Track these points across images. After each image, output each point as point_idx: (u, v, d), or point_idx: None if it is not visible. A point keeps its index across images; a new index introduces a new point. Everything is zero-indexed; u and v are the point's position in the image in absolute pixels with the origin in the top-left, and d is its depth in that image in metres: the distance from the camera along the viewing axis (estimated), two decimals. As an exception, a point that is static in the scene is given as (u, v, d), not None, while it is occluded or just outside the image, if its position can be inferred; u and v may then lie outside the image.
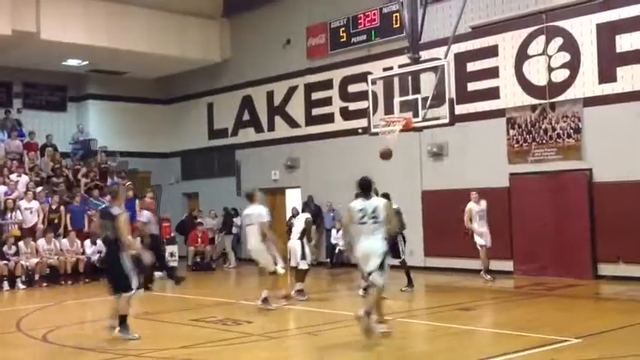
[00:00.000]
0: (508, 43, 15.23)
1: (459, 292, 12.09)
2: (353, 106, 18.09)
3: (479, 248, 13.94)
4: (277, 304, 11.25)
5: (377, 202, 8.67)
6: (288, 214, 19.83)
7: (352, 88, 18.16)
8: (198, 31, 20.71)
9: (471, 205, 14.01)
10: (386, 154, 12.73)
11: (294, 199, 20.15)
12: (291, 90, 19.92)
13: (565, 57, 14.37)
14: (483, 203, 14.09)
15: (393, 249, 11.68)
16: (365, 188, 8.72)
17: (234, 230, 19.94)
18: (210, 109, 22.47)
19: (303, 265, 12.11)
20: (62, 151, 20.53)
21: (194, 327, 9.76)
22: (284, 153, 19.86)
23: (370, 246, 8.46)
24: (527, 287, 13.27)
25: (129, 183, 19.33)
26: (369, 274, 8.50)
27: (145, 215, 15.01)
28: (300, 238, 12.15)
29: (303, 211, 12.71)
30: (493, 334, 9.04)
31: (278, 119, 20.39)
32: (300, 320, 10.78)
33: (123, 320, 8.96)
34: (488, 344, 8.68)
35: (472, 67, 15.77)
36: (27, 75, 21.20)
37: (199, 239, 18.94)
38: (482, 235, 13.91)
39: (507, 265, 14.83)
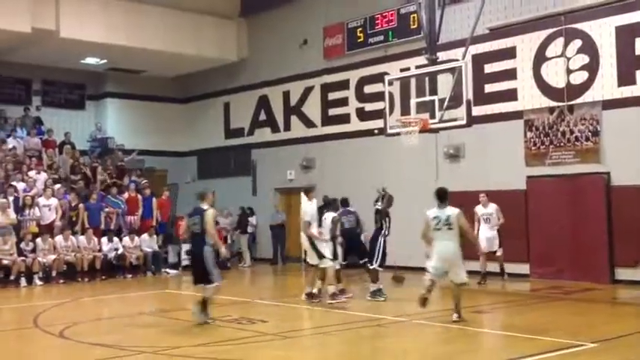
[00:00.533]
0: (526, 44, 15.15)
1: (475, 295, 12.01)
2: (369, 106, 18.07)
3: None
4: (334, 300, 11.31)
5: (450, 211, 9.55)
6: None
7: (369, 89, 18.15)
8: (215, 30, 20.79)
9: (477, 209, 13.88)
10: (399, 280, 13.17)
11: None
12: (308, 90, 19.94)
13: (584, 59, 14.27)
14: (491, 207, 13.94)
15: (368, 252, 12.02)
16: (441, 198, 9.67)
17: (250, 229, 20.02)
18: (227, 108, 22.55)
19: (336, 266, 11.92)
20: (80, 148, 20.68)
21: (209, 326, 9.78)
22: (300, 153, 19.89)
23: (446, 250, 9.47)
24: (544, 290, 13.18)
25: (145, 181, 19.50)
26: (445, 273, 9.59)
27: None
28: (332, 239, 12.04)
29: (327, 210, 12.60)
30: (508, 337, 9.00)
31: (294, 119, 20.42)
32: (314, 320, 10.80)
33: (204, 304, 9.68)
34: (503, 347, 8.64)
35: (490, 68, 15.69)
36: (46, 73, 21.38)
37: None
38: (484, 240, 13.53)
39: (524, 268, 14.74)
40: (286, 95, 20.57)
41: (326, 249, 11.79)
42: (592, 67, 14.13)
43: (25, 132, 20.03)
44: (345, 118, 18.90)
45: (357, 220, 12.64)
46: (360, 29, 18.44)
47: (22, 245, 15.56)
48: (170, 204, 19.69)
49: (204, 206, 9.89)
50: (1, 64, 20.19)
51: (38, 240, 15.82)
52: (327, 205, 12.97)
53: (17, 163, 18.02)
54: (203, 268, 9.75)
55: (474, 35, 14.32)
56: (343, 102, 18.94)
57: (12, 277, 15.13)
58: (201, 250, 9.74)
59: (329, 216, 12.27)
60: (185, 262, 17.17)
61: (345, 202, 12.88)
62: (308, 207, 11.91)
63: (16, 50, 19.12)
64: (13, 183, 16.77)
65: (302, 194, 12.34)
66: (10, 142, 19.03)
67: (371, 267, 12.02)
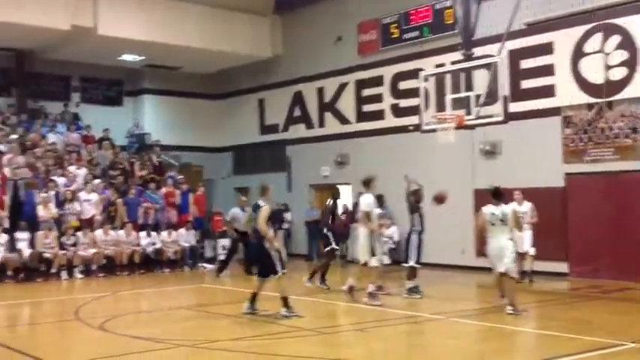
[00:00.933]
0: (564, 40, 14.93)
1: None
2: (404, 102, 18.03)
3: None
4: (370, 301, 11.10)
5: (506, 208, 10.42)
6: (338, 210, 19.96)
7: (403, 85, 18.10)
8: (250, 27, 20.91)
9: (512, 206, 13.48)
10: (441, 199, 12.35)
11: (344, 195, 20.18)
12: (342, 86, 19.96)
13: (623, 55, 14.03)
14: (526, 205, 13.60)
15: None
16: (497, 196, 10.47)
17: (285, 225, 20.11)
18: (262, 104, 22.69)
19: (374, 263, 11.53)
20: (118, 144, 21.02)
21: (246, 320, 9.91)
22: (334, 149, 19.93)
23: (500, 244, 10.20)
24: (583, 289, 13.04)
25: (181, 177, 19.74)
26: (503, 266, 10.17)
27: (232, 212, 16.31)
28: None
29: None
30: (546, 336, 8.93)
31: (328, 115, 20.46)
32: (351, 316, 10.84)
33: (285, 302, 9.90)
34: (541, 346, 8.58)
35: (526, 64, 15.51)
36: (85, 69, 21.73)
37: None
38: (519, 239, 12.91)
39: (562, 267, 14.60)
40: (320, 91, 20.61)
41: (379, 246, 11.50)
42: (631, 63, 13.88)
43: (64, 128, 20.42)
44: (379, 115, 18.88)
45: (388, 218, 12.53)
46: (395, 25, 18.38)
47: (64, 239, 15.89)
48: (206, 199, 19.91)
49: (261, 202, 10.16)
50: (41, 61, 20.62)
51: (79, 234, 16.15)
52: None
53: (57, 158, 18.39)
54: (266, 260, 9.96)
55: (511, 30, 14.20)
56: (378, 98, 18.92)
57: (53, 271, 15.46)
58: (263, 243, 9.97)
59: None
60: (221, 257, 17.33)
61: (379, 200, 12.74)
62: (366, 197, 11.36)
63: (56, 47, 19.51)
64: (54, 178, 17.11)
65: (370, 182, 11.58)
66: (51, 138, 19.43)
67: (407, 265, 12.01)
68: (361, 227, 11.35)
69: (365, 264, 11.32)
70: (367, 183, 11.50)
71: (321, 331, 9.24)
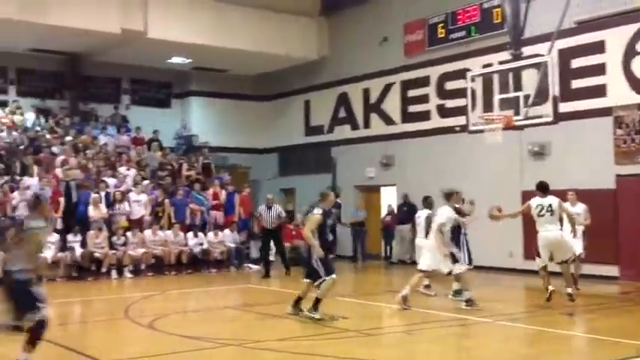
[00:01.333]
0: (615, 39, 14.60)
1: (562, 297, 11.69)
2: (450, 103, 17.88)
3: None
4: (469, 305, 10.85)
5: (552, 199, 10.97)
6: (383, 212, 19.91)
7: (450, 85, 17.95)
8: (296, 28, 21.03)
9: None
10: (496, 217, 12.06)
11: (389, 196, 20.16)
12: (387, 87, 19.90)
13: (678, 53, 13.66)
14: (579, 206, 13.01)
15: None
16: (543, 189, 11.05)
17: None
18: (307, 105, 22.78)
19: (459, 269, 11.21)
20: (166, 145, 21.36)
21: (292, 320, 9.97)
22: (379, 150, 19.88)
23: (550, 234, 10.87)
24: (634, 293, 12.73)
25: (228, 178, 19.96)
26: (551, 259, 10.89)
27: (259, 210, 16.81)
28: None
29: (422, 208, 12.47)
30: (595, 341, 8.75)
31: (374, 116, 20.42)
32: (396, 319, 10.79)
33: (316, 303, 9.84)
34: (590, 350, 8.44)
35: (577, 63, 15.22)
36: (134, 72, 22.19)
37: (292, 234, 19.18)
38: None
39: (613, 271, 14.27)
40: (366, 92, 20.59)
41: (458, 252, 11.26)
42: (686, 62, 13.50)
43: (115, 130, 20.86)
44: (425, 115, 18.75)
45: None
46: (442, 25, 18.25)
47: (114, 239, 16.22)
48: (251, 200, 20.07)
49: (316, 209, 10.05)
50: (92, 64, 21.13)
51: (128, 234, 16.46)
52: (425, 200, 12.71)
53: (108, 159, 18.79)
54: (311, 266, 9.97)
55: (561, 29, 13.93)
56: (423, 99, 18.80)
57: (104, 270, 15.80)
58: (309, 249, 10.04)
59: (423, 213, 12.25)
60: (271, 258, 17.40)
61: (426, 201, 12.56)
62: (445, 210, 11.00)
63: (107, 50, 19.97)
64: (105, 179, 17.49)
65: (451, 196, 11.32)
66: (102, 139, 19.87)
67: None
68: (436, 239, 10.87)
69: (449, 273, 10.98)
70: (449, 196, 11.19)
71: (367, 333, 9.22)
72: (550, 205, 10.86)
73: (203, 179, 19.42)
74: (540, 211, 10.91)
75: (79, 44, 19.44)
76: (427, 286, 12.06)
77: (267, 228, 16.32)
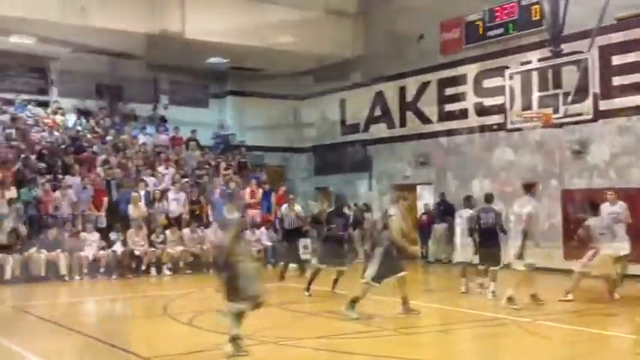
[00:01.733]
0: (657, 34, 14.32)
1: (603, 297, 11.51)
2: (488, 101, 17.71)
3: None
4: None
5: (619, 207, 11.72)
6: (420, 210, 19.81)
7: (487, 83, 17.77)
8: (333, 27, 21.03)
9: (602, 207, 12.75)
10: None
11: (425, 195, 20.07)
12: (424, 85, 19.79)
13: None
14: (620, 205, 12.56)
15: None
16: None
17: (366, 225, 20.07)
18: (343, 104, 22.77)
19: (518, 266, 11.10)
20: (204, 145, 21.59)
21: (329, 318, 10.01)
22: (416, 149, 19.79)
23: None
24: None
25: (264, 177, 20.08)
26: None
27: (282, 209, 16.43)
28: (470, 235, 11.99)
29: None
30: (634, 341, 8.61)
31: (410, 115, 20.33)
32: (434, 317, 10.75)
33: (353, 302, 9.85)
34: (628, 351, 8.29)
35: (618, 60, 14.94)
36: (172, 72, 22.44)
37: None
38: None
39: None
40: (402, 91, 20.51)
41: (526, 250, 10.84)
42: None
43: (153, 129, 21.15)
44: (462, 114, 18.61)
45: (495, 217, 11.80)
46: (479, 22, 18.08)
47: (153, 237, 16.45)
48: (287, 199, 20.12)
49: (392, 210, 10.00)
50: (131, 65, 21.41)
51: (167, 232, 16.67)
52: (466, 200, 12.69)
53: (147, 158, 19.07)
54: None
55: (601, 26, 13.71)
56: (460, 97, 18.67)
57: (143, 268, 16.03)
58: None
59: (464, 212, 12.20)
60: (305, 257, 17.45)
61: (487, 199, 12.21)
62: (526, 200, 10.87)
63: (145, 51, 20.21)
64: (144, 177, 17.75)
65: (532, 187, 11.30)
66: (141, 139, 20.17)
67: (493, 268, 11.81)
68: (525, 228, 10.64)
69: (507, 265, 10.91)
70: (529, 187, 11.06)
71: (403, 332, 9.21)
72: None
73: (238, 180, 19.54)
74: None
75: (118, 45, 19.72)
76: (481, 284, 12.01)
77: (287, 229, 15.99)
